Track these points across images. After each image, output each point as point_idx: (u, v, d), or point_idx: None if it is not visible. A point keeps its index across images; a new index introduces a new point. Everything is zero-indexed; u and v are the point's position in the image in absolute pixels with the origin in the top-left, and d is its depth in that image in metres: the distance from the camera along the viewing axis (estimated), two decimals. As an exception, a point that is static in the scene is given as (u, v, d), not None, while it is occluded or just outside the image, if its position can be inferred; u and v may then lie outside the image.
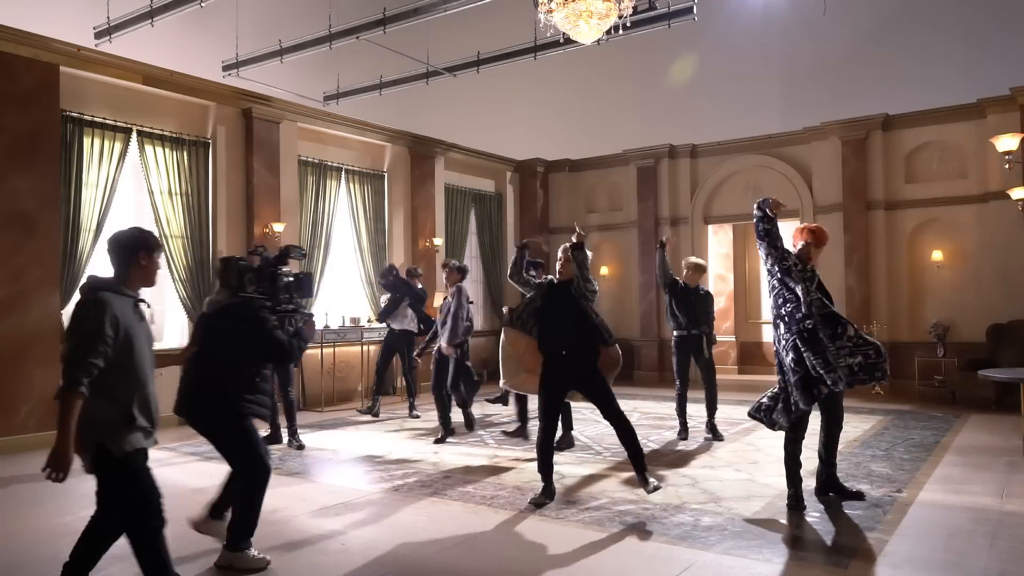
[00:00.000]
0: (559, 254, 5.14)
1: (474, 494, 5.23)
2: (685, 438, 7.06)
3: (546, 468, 4.97)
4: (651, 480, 4.87)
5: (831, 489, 4.91)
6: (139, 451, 2.95)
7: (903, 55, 12.03)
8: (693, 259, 7.40)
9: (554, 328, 5.01)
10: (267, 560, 3.85)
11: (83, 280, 3.14)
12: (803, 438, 4.78)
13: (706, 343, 7.08)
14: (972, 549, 3.97)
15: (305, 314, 4.13)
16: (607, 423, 5.07)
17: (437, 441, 7.19)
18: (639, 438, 5.00)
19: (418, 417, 8.67)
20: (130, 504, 2.97)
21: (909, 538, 4.16)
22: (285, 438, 7.02)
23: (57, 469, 2.79)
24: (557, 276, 5.16)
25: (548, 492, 4.96)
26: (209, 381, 3.78)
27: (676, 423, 7.26)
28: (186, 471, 6.15)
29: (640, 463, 4.90)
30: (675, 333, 7.16)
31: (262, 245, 3.95)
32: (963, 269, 10.35)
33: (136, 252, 2.99)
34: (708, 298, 7.29)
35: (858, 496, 4.82)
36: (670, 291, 7.11)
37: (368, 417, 8.78)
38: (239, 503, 3.85)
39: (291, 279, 4.10)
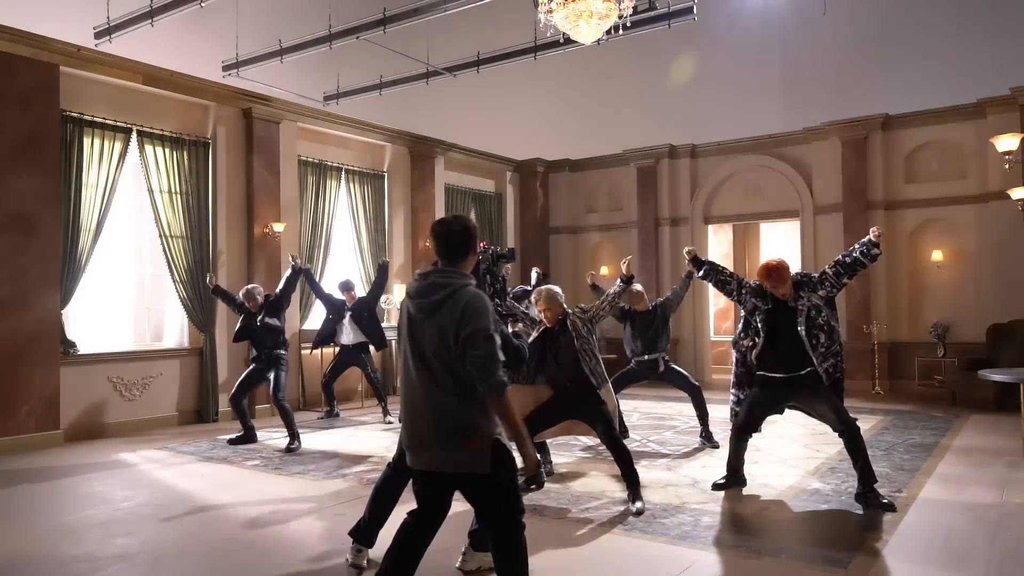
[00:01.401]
0: (538, 300, 5.02)
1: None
2: None
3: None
4: (638, 503, 4.75)
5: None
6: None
7: (903, 55, 12.03)
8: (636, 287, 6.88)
9: (555, 370, 5.06)
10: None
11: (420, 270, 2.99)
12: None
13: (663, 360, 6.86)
14: (972, 549, 3.97)
15: (527, 320, 4.27)
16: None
17: None
18: (633, 455, 5.08)
19: (392, 423, 8.26)
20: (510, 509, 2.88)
21: (909, 538, 4.16)
22: (286, 442, 7.03)
23: (531, 467, 2.83)
24: (546, 322, 5.05)
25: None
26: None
27: (676, 423, 7.25)
28: (187, 469, 6.16)
29: (632, 481, 4.86)
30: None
31: (490, 246, 4.07)
32: (963, 269, 10.35)
33: (474, 242, 2.92)
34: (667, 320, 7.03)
35: (888, 507, 4.68)
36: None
37: (328, 420, 8.72)
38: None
39: (503, 283, 4.11)
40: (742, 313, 5.17)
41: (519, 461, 2.86)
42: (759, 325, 4.97)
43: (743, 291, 5.09)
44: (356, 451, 6.95)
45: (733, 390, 5.24)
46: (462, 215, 3.23)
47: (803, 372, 4.82)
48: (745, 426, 5.12)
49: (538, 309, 5.07)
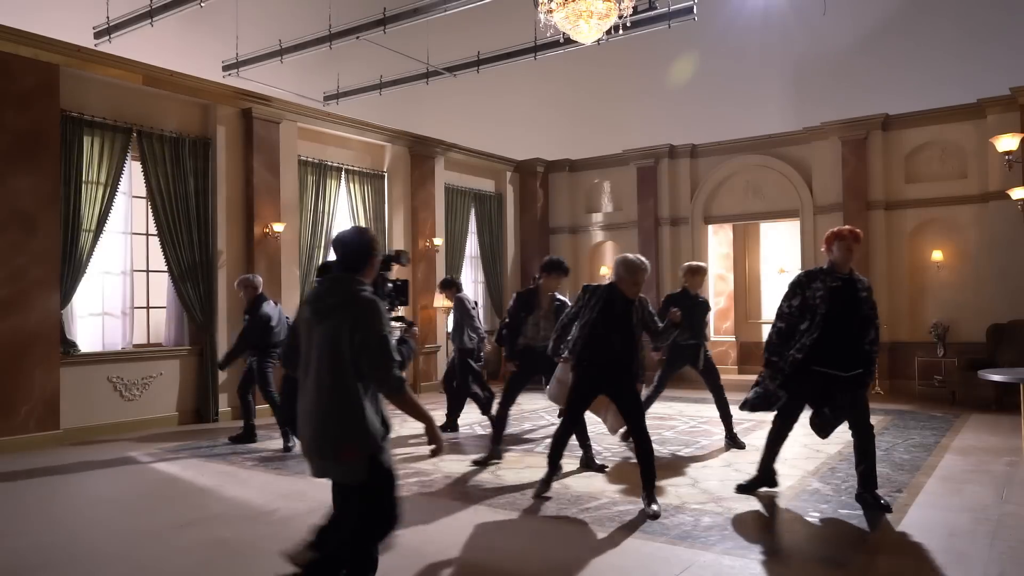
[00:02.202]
0: (631, 275, 4.79)
1: (473, 494, 5.23)
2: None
3: (554, 459, 5.14)
4: (654, 506, 4.66)
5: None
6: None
7: (903, 55, 12.04)
8: (693, 263, 7.05)
9: (603, 337, 4.82)
10: None
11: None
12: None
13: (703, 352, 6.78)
14: (972, 549, 3.97)
15: (409, 322, 4.12)
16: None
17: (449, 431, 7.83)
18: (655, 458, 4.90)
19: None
20: (380, 511, 2.92)
21: (909, 538, 4.16)
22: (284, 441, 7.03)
23: (440, 447, 3.02)
24: (629, 293, 4.81)
25: (547, 483, 5.13)
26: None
27: (676, 423, 7.24)
28: (187, 469, 6.16)
29: (650, 482, 4.77)
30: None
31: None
32: (963, 269, 10.35)
33: (372, 252, 3.01)
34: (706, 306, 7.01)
35: (885, 508, 4.66)
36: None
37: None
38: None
39: (393, 286, 3.99)
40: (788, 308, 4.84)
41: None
42: (818, 303, 4.66)
43: (807, 292, 4.77)
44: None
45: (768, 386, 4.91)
46: (364, 227, 3.28)
47: (857, 371, 4.65)
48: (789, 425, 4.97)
49: (633, 283, 4.78)
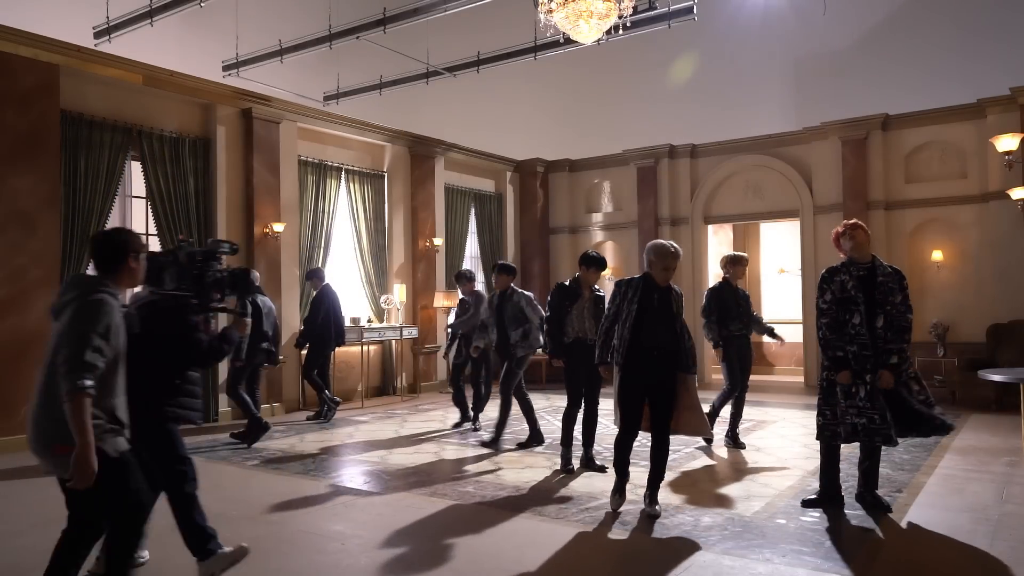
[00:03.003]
0: (661, 260, 4.72)
1: (474, 494, 5.23)
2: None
3: (621, 467, 4.83)
4: (656, 506, 4.66)
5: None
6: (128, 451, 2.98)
7: (903, 55, 12.03)
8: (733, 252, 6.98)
9: (654, 326, 4.71)
10: (244, 547, 3.67)
11: (70, 278, 3.16)
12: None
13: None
14: (972, 549, 3.97)
15: (237, 312, 3.95)
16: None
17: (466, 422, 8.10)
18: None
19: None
20: (123, 502, 2.96)
21: (909, 538, 4.16)
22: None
23: (83, 478, 2.73)
24: (659, 280, 4.75)
25: (620, 492, 4.81)
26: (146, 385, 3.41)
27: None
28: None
29: (656, 483, 4.74)
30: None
31: (186, 239, 3.84)
32: (963, 269, 10.34)
33: (127, 253, 3.02)
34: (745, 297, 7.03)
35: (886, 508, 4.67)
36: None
37: (320, 421, 8.59)
38: (181, 513, 3.56)
39: (222, 276, 3.83)
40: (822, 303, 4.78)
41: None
42: (852, 294, 4.60)
43: (832, 286, 4.74)
44: (355, 450, 6.94)
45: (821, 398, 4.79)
46: (123, 229, 3.24)
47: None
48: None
49: (666, 268, 4.71)
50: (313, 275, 9.09)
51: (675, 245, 4.82)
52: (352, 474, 5.99)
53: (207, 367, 3.73)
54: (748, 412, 8.58)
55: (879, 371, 4.54)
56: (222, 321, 7.21)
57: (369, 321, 10.58)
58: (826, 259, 11.17)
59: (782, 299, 13.01)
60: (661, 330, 4.70)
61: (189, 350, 3.54)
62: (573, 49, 9.19)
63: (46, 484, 5.57)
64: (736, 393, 6.79)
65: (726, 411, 6.90)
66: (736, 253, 7.13)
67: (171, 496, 3.57)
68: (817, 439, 4.84)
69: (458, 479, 5.71)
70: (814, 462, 6.02)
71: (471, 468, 6.09)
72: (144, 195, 8.40)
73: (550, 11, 6.68)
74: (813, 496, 4.86)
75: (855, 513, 4.60)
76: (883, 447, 4.75)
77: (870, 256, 4.79)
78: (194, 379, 3.72)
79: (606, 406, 5.57)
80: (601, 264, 6.06)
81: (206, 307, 3.73)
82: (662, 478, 4.78)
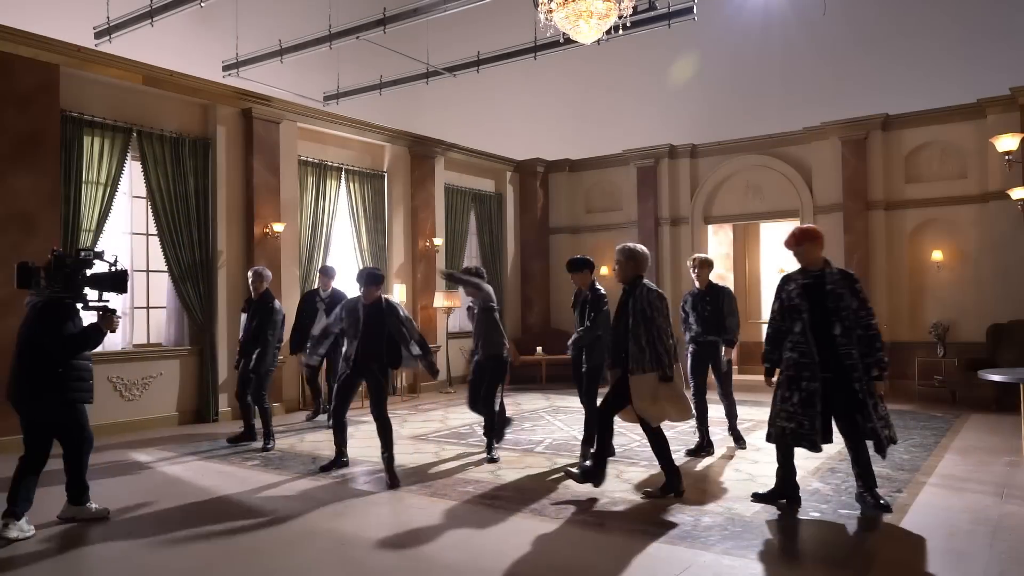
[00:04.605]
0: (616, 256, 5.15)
1: (474, 494, 5.23)
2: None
3: (669, 466, 5.07)
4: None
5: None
6: None
7: (903, 55, 12.03)
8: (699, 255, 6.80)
9: (616, 332, 5.12)
10: (107, 510, 4.72)
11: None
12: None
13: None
14: (972, 549, 3.97)
15: (107, 308, 4.54)
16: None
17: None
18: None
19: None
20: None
21: (909, 538, 4.16)
22: (261, 441, 7.07)
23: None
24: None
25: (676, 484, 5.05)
26: (37, 372, 4.45)
27: (676, 423, 7.21)
28: (188, 469, 6.16)
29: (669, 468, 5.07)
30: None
31: (57, 249, 4.63)
32: (963, 269, 10.35)
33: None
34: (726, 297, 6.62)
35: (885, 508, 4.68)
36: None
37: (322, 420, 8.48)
38: (74, 467, 4.62)
39: (91, 277, 4.52)
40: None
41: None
42: (797, 302, 4.71)
43: (782, 294, 4.88)
44: (356, 451, 6.94)
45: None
46: None
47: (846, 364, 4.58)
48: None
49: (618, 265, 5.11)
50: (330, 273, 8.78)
51: (629, 245, 5.19)
52: (352, 474, 5.99)
53: (71, 355, 4.51)
54: (748, 412, 8.60)
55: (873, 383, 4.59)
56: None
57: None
58: (827, 258, 11.18)
59: (782, 299, 13.00)
60: (620, 331, 5.02)
61: (52, 340, 4.43)
62: (573, 49, 9.19)
63: (44, 485, 5.60)
64: (696, 398, 6.52)
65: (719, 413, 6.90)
66: (700, 256, 6.82)
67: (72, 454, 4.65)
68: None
69: (458, 480, 5.70)
70: (814, 462, 6.04)
71: (471, 468, 6.09)
72: (144, 195, 8.40)
73: (550, 11, 6.67)
74: (764, 492, 4.95)
75: (855, 513, 4.60)
76: (864, 449, 4.77)
77: (821, 262, 4.81)
78: (84, 367, 4.57)
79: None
80: (578, 265, 6.06)
81: (88, 305, 4.55)
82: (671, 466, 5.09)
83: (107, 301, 4.56)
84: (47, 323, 4.42)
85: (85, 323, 4.57)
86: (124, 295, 5.21)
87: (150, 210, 8.40)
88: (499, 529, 4.47)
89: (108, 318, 4.53)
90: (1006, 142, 8.23)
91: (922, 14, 11.97)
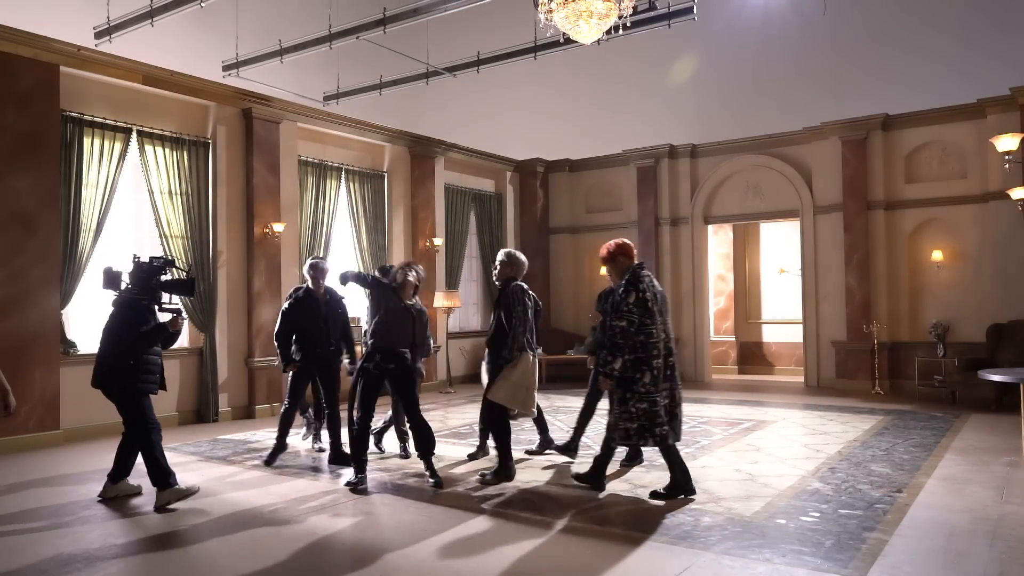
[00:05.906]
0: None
1: (474, 495, 5.23)
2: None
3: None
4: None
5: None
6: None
7: (903, 55, 12.03)
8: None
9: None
10: (196, 487, 5.11)
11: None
12: None
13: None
14: (972, 549, 3.97)
15: (173, 310, 5.04)
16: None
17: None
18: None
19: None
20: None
21: (909, 538, 4.16)
22: (311, 441, 7.09)
23: None
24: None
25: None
26: (114, 361, 4.91)
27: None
28: (188, 469, 6.16)
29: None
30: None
31: (136, 255, 5.23)
32: (963, 269, 10.35)
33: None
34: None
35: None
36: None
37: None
38: (145, 454, 4.93)
39: (164, 282, 5.03)
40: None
41: None
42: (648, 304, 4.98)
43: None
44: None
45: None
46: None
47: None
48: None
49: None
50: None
51: (504, 250, 5.90)
52: (352, 474, 5.98)
53: (141, 351, 4.96)
54: (748, 412, 8.61)
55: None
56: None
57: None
58: (826, 259, 11.21)
59: (782, 299, 13.03)
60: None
61: (130, 336, 4.90)
62: (573, 49, 9.19)
63: (44, 485, 5.59)
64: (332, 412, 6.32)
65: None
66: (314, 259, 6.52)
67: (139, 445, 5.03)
68: None
69: (457, 479, 5.70)
70: (814, 462, 6.04)
71: (470, 469, 6.09)
72: (144, 195, 8.40)
73: (550, 11, 6.66)
74: (663, 491, 5.03)
75: (855, 513, 4.61)
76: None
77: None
78: (152, 361, 5.00)
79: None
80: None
81: (161, 306, 5.06)
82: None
83: (177, 304, 5.13)
84: (126, 319, 4.92)
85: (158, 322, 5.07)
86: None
87: (150, 210, 8.40)
88: (499, 529, 4.47)
89: (173, 319, 5.01)
90: (1006, 142, 8.23)
91: (922, 14, 11.98)
